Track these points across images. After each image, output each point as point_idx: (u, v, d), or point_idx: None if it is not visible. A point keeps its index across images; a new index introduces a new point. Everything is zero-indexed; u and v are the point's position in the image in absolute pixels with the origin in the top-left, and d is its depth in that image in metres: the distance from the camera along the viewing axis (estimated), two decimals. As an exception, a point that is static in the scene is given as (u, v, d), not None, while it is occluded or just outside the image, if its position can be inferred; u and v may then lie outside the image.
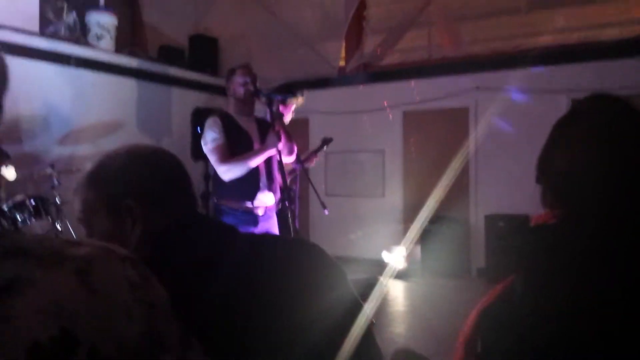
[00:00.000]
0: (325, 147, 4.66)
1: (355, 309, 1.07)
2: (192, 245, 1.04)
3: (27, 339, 0.55)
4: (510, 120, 6.05)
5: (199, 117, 5.85)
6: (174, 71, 6.91)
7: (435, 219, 6.19)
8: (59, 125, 5.53)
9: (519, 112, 6.02)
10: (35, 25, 5.35)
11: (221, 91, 3.48)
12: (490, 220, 6.09)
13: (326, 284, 1.07)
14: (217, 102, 6.50)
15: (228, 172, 3.10)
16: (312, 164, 4.60)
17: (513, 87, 5.99)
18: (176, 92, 6.89)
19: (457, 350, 1.40)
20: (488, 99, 6.25)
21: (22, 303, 0.56)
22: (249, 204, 3.16)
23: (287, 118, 4.23)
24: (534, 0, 6.34)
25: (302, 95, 4.27)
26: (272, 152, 3.15)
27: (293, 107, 4.28)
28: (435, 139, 6.74)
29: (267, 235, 1.38)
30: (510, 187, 6.00)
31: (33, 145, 5.32)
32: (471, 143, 6.41)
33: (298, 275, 1.04)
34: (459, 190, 6.36)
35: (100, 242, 0.68)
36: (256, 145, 3.22)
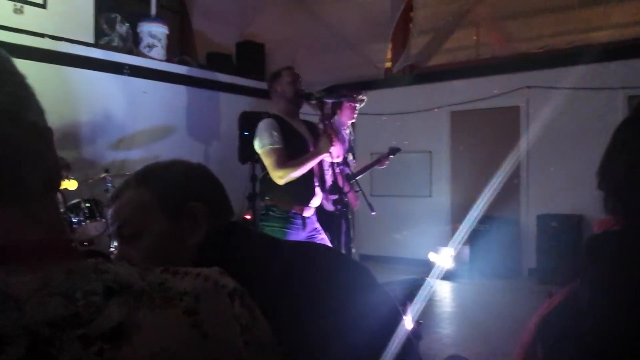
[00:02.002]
0: (392, 156, 4.61)
1: (394, 317, 1.06)
2: (237, 251, 1.06)
3: None
4: (564, 118, 5.89)
5: (246, 121, 5.95)
6: (222, 77, 7.06)
7: (485, 219, 6.09)
8: (112, 131, 5.76)
9: (573, 110, 5.85)
10: (90, 37, 5.58)
11: (267, 95, 3.50)
12: (543, 220, 5.94)
13: (362, 295, 1.06)
14: (263, 106, 6.60)
15: (284, 177, 3.05)
16: (383, 166, 4.60)
17: (566, 85, 5.83)
18: (224, 97, 7.04)
19: (517, 356, 1.36)
20: (540, 97, 6.11)
21: (129, 352, 0.48)
22: (300, 207, 3.14)
23: (350, 121, 4.27)
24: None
25: (364, 99, 4.29)
26: (324, 155, 3.11)
27: (357, 110, 4.31)
28: (484, 138, 6.63)
29: (304, 245, 1.39)
30: (564, 187, 5.84)
31: (89, 151, 5.55)
32: (522, 142, 6.27)
33: (333, 286, 1.04)
34: (510, 190, 6.23)
35: (201, 270, 0.59)
36: (310, 148, 3.19)
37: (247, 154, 5.58)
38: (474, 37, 6.87)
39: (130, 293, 0.51)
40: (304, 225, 3.16)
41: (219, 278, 0.59)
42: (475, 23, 6.83)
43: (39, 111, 0.58)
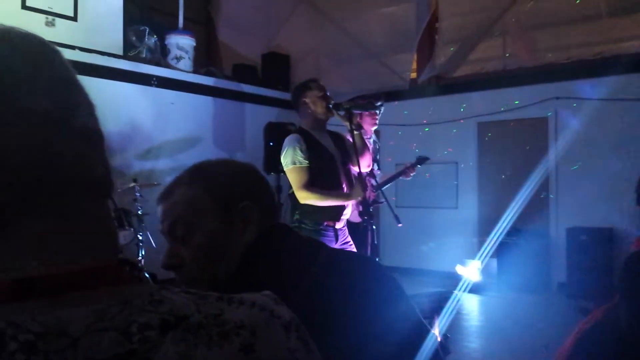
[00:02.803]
0: (419, 166, 4.56)
1: (420, 331, 1.05)
2: (283, 253, 1.07)
3: None
4: (593, 130, 5.78)
5: (271, 132, 5.98)
6: (247, 88, 7.12)
7: (513, 232, 5.98)
8: (141, 141, 5.84)
9: (603, 121, 5.73)
10: (119, 49, 5.69)
11: (292, 106, 3.48)
12: (572, 233, 5.81)
13: (392, 307, 1.06)
14: (288, 116, 6.63)
15: (306, 200, 3.04)
16: (408, 177, 4.54)
17: (595, 95, 5.73)
18: (249, 108, 7.09)
19: None
20: (569, 108, 6.01)
21: None
22: (329, 220, 3.11)
23: (372, 129, 4.23)
24: (616, 6, 6.03)
25: (382, 104, 4.25)
26: (353, 201, 3.11)
27: (377, 118, 4.27)
28: (512, 149, 6.54)
29: (341, 252, 1.38)
30: (594, 199, 5.72)
31: (117, 160, 5.63)
32: (551, 154, 6.17)
33: (365, 296, 1.04)
34: (538, 202, 6.12)
35: (256, 298, 0.56)
36: (337, 162, 3.17)
37: (272, 165, 5.60)
38: (501, 48, 6.80)
39: (187, 327, 0.48)
40: (337, 237, 3.14)
41: (275, 308, 0.57)
42: (502, 33, 6.76)
43: (89, 113, 0.57)
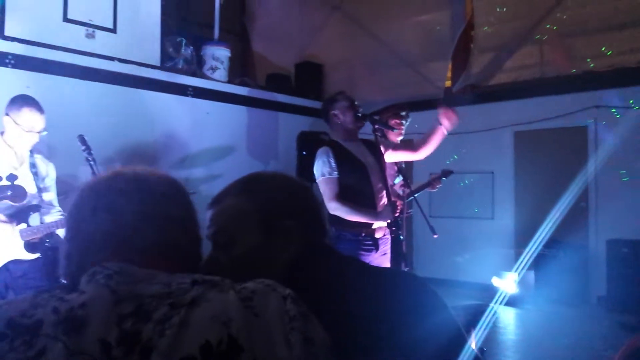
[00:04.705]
0: (444, 178, 4.50)
1: (458, 340, 1.04)
2: (321, 274, 1.07)
3: (201, 338, 0.70)
4: (634, 139, 5.61)
5: (304, 141, 6.00)
6: (281, 97, 7.16)
7: (551, 244, 5.83)
8: (176, 150, 5.93)
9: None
10: (157, 60, 5.80)
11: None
12: (613, 245, 5.64)
13: (428, 315, 1.05)
14: (321, 126, 6.64)
15: (335, 211, 3.06)
16: (434, 189, 4.48)
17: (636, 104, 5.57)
18: (282, 117, 7.13)
19: None
20: (609, 117, 5.85)
21: (200, 312, 0.72)
22: (369, 229, 3.12)
23: (398, 138, 4.19)
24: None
25: (407, 114, 4.22)
26: (382, 222, 3.10)
27: (404, 128, 4.23)
28: (550, 159, 6.39)
29: (383, 271, 1.39)
30: (635, 211, 5.54)
31: (153, 169, 5.72)
32: (591, 163, 6.01)
33: (405, 314, 1.03)
34: (577, 213, 5.96)
35: (267, 281, 0.81)
36: (370, 172, 3.18)
37: (305, 173, 5.61)
38: (538, 56, 6.68)
39: (209, 283, 0.78)
40: (376, 246, 3.13)
41: (277, 286, 0.81)
42: (539, 41, 6.64)
43: (196, 223, 0.95)
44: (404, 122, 4.19)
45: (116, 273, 0.78)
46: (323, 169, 3.09)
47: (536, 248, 5.69)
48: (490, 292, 5.93)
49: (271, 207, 1.09)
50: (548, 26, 6.48)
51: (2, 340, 0.71)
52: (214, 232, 1.09)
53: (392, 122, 4.08)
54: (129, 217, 0.86)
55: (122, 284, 0.76)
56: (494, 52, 6.92)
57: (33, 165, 3.02)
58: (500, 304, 5.72)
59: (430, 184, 4.39)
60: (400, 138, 4.22)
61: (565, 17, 6.38)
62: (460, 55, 7.14)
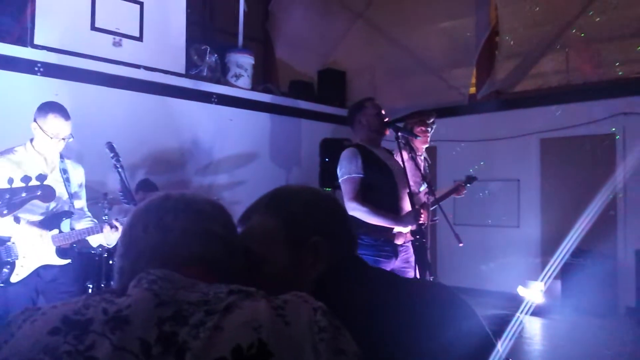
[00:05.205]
0: (468, 185, 4.45)
1: (487, 346, 1.03)
2: (351, 288, 1.06)
3: (233, 342, 0.75)
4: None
5: (327, 148, 6.00)
6: (304, 104, 7.18)
7: (578, 253, 5.72)
8: (200, 157, 5.98)
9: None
10: (182, 68, 5.87)
11: (348, 122, 3.50)
12: (643, 255, 5.51)
13: (458, 324, 1.04)
14: (344, 132, 6.64)
15: (354, 211, 3.04)
16: (460, 195, 4.44)
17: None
18: (305, 124, 7.14)
19: None
20: (638, 124, 5.74)
21: (232, 318, 0.78)
22: (389, 235, 3.10)
23: (424, 146, 4.16)
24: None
25: (433, 121, 4.18)
26: (404, 227, 3.09)
27: (429, 136, 4.19)
28: (577, 167, 6.28)
29: (417, 283, 1.38)
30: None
31: (178, 175, 5.78)
32: (619, 171, 5.89)
33: (432, 319, 1.02)
34: (606, 222, 5.84)
35: (300, 293, 0.86)
36: (395, 176, 3.16)
37: (328, 180, 5.62)
38: (564, 62, 6.59)
39: (243, 292, 0.84)
40: (396, 254, 3.10)
41: (309, 299, 0.85)
42: (565, 47, 6.55)
43: (236, 238, 1.05)
44: (429, 129, 4.15)
45: (159, 278, 0.86)
46: (348, 169, 3.10)
47: (563, 257, 5.59)
48: (515, 301, 5.84)
49: (298, 223, 1.09)
50: (574, 30, 6.38)
51: (56, 334, 0.78)
52: (244, 252, 1.10)
53: (417, 129, 4.05)
54: (176, 232, 0.96)
55: (164, 289, 0.84)
56: (519, 58, 6.84)
57: (64, 171, 3.07)
58: (526, 313, 5.62)
59: (455, 190, 4.34)
60: (425, 146, 4.18)
61: (592, 22, 6.28)
62: (484, 62, 7.08)
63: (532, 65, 6.78)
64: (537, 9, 6.70)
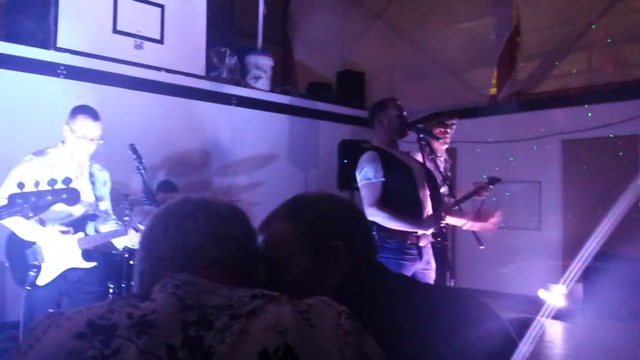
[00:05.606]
0: (491, 187, 4.38)
1: (509, 347, 1.02)
2: (372, 292, 1.07)
3: (259, 346, 0.76)
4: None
5: (345, 149, 5.99)
6: (322, 106, 7.18)
7: (601, 256, 5.62)
8: (220, 158, 6.02)
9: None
10: (202, 70, 5.92)
11: (367, 123, 3.48)
12: (668, 259, 5.40)
13: (480, 327, 1.04)
14: (363, 134, 6.62)
15: (374, 217, 3.02)
16: (481, 197, 4.36)
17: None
18: (323, 125, 7.14)
19: None
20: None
21: (258, 322, 0.79)
22: (413, 237, 3.08)
23: (443, 147, 4.13)
24: None
25: (453, 123, 4.13)
26: (424, 231, 3.07)
27: (449, 137, 4.14)
28: (599, 169, 6.18)
29: (439, 289, 1.38)
30: (692, 222, 5.30)
31: (198, 176, 5.83)
32: (643, 173, 5.78)
33: (457, 332, 1.02)
34: (629, 224, 5.73)
35: (323, 297, 0.87)
36: (416, 177, 3.14)
37: (346, 182, 5.60)
38: (587, 62, 6.49)
39: (267, 297, 0.84)
40: (420, 255, 3.08)
41: (332, 302, 0.86)
42: (588, 47, 6.45)
43: (254, 241, 1.05)
44: (449, 130, 4.11)
45: (184, 283, 0.87)
46: (367, 173, 3.07)
47: (585, 260, 5.50)
48: (536, 305, 5.77)
49: (318, 229, 1.10)
50: (594, 27, 6.28)
51: (82, 339, 0.79)
52: (265, 259, 1.11)
53: (437, 131, 4.02)
54: (196, 235, 0.97)
55: (188, 294, 0.85)
56: (541, 58, 6.76)
57: (91, 175, 3.11)
58: (547, 317, 5.55)
59: (476, 192, 4.27)
60: (445, 147, 4.14)
61: (615, 22, 6.18)
62: (505, 62, 7.01)
63: (554, 65, 6.70)
64: (559, 9, 6.62)
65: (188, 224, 0.98)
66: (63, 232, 2.86)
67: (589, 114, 6.13)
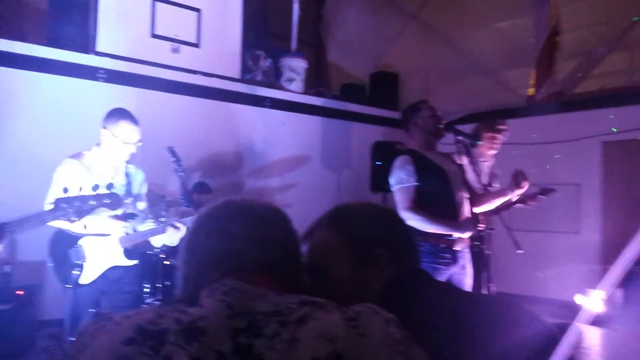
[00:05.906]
0: (544, 197, 4.23)
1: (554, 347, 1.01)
2: (414, 300, 1.07)
3: (310, 354, 0.76)
4: None
5: (378, 151, 5.97)
6: (355, 107, 7.17)
7: (643, 261, 5.45)
8: (253, 160, 6.08)
9: None
10: (237, 73, 5.98)
11: (400, 125, 3.46)
12: None
13: (521, 333, 1.03)
14: (396, 135, 6.59)
15: (409, 220, 2.95)
16: (528, 206, 4.23)
17: None
18: (356, 127, 7.13)
19: None
20: None
21: (307, 329, 0.79)
22: (449, 240, 3.05)
23: (490, 152, 4.04)
24: None
25: (503, 125, 4.04)
26: (459, 232, 3.04)
27: (498, 142, 4.02)
28: (642, 171, 6.00)
29: (480, 297, 1.37)
30: None
31: (232, 177, 5.90)
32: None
33: (495, 333, 1.01)
34: (673, 229, 5.54)
35: (370, 305, 0.87)
36: (452, 180, 3.11)
37: (379, 184, 5.58)
38: (628, 62, 6.31)
39: (315, 304, 0.84)
40: (455, 259, 3.04)
41: (380, 310, 0.86)
42: (629, 46, 6.27)
43: (296, 244, 1.05)
44: (498, 135, 4.00)
45: (232, 290, 0.87)
46: (400, 177, 3.04)
47: (626, 265, 5.34)
48: (573, 310, 5.62)
49: (360, 237, 1.11)
50: (635, 23, 6.09)
51: (131, 344, 0.79)
52: (308, 268, 1.12)
53: (485, 134, 3.93)
54: (238, 239, 0.97)
55: (236, 300, 0.85)
56: (580, 58, 6.60)
57: (127, 175, 3.18)
58: (585, 323, 5.41)
59: (523, 200, 4.09)
60: (492, 152, 4.03)
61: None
62: (544, 62, 6.86)
63: (594, 65, 6.53)
64: (599, 7, 6.45)
65: (231, 227, 0.98)
66: (112, 217, 2.87)
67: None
